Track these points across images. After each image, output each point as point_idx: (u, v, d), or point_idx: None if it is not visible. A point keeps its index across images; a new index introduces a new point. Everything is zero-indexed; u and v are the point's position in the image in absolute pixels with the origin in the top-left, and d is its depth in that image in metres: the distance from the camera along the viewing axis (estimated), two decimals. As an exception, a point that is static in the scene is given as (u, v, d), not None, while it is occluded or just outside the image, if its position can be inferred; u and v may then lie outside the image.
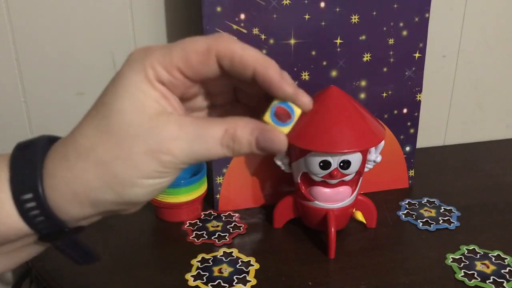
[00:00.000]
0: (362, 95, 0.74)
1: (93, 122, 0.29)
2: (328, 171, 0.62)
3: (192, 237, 0.67)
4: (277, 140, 0.29)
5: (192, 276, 0.60)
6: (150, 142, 0.28)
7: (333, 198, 0.64)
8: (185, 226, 0.70)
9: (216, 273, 0.60)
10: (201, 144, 0.29)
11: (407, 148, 0.79)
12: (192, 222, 0.71)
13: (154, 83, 0.29)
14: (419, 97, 0.76)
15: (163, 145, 0.28)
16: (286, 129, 0.30)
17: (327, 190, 0.64)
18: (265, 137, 0.29)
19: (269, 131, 0.29)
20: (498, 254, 0.64)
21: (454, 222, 0.71)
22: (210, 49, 0.29)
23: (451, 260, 0.63)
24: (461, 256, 0.64)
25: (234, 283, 0.58)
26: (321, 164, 0.61)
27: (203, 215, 0.73)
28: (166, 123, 0.28)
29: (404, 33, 0.72)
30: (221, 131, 0.29)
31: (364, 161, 0.64)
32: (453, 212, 0.73)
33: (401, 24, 0.72)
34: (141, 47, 0.30)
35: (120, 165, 0.28)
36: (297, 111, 0.30)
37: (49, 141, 0.31)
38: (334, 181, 0.63)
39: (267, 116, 0.30)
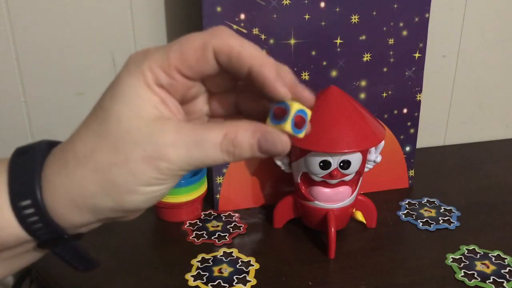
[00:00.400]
0: (362, 95, 0.74)
1: (92, 127, 0.29)
2: (328, 171, 0.62)
3: (192, 237, 0.67)
4: (279, 141, 0.28)
5: (192, 276, 0.60)
6: (147, 148, 0.27)
7: (333, 198, 0.64)
8: (185, 226, 0.70)
9: (216, 273, 0.60)
10: (199, 150, 0.28)
11: (407, 148, 0.79)
12: (192, 222, 0.71)
13: (153, 87, 0.28)
14: (419, 97, 0.76)
15: (161, 151, 0.27)
16: (286, 125, 0.29)
17: (327, 190, 0.64)
18: (267, 139, 0.28)
19: (271, 132, 0.28)
20: (498, 254, 0.64)
21: (454, 222, 0.71)
22: (206, 44, 0.28)
23: (451, 260, 0.63)
24: (461, 256, 0.64)
25: (234, 283, 0.58)
26: (321, 164, 0.61)
27: (203, 215, 0.73)
28: (163, 129, 0.28)
29: (404, 33, 0.72)
30: (221, 136, 0.28)
31: (364, 161, 0.64)
32: (453, 212, 0.73)
33: (401, 24, 0.72)
34: (140, 50, 0.29)
35: (118, 172, 0.28)
36: (294, 107, 0.29)
37: (48, 146, 0.30)
38: (334, 181, 0.63)
39: (268, 121, 0.29)
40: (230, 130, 0.28)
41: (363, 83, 0.73)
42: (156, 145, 0.28)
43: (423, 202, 0.76)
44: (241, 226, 0.70)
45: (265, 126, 0.29)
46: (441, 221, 0.71)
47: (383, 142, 0.64)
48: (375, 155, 0.66)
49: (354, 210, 0.68)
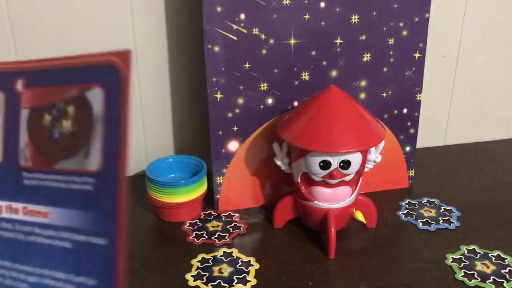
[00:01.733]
0: (362, 95, 0.74)
1: None
2: (328, 171, 0.62)
3: (192, 237, 0.67)
4: None
5: (192, 276, 0.60)
6: None
7: (333, 198, 0.64)
8: (185, 226, 0.70)
9: (216, 273, 0.60)
10: None
11: (407, 148, 0.79)
12: (192, 222, 0.71)
13: None
14: (419, 97, 0.76)
15: None
16: None
17: (327, 190, 0.64)
18: None
19: None
20: (498, 254, 0.64)
21: (454, 222, 0.71)
22: None
23: (451, 260, 0.63)
24: (461, 256, 0.64)
25: (234, 283, 0.58)
26: (321, 164, 0.61)
27: (203, 215, 0.73)
28: None
29: (404, 33, 0.72)
30: None
31: (364, 161, 0.64)
32: (453, 212, 0.73)
33: (401, 24, 0.72)
34: None
35: None
36: None
37: None
38: (334, 181, 0.63)
39: None
40: None
41: (363, 83, 0.73)
42: None
43: (423, 202, 0.76)
44: (241, 226, 0.70)
45: None
46: (441, 221, 0.71)
47: (383, 142, 0.64)
48: (375, 155, 0.66)
49: (354, 210, 0.68)
